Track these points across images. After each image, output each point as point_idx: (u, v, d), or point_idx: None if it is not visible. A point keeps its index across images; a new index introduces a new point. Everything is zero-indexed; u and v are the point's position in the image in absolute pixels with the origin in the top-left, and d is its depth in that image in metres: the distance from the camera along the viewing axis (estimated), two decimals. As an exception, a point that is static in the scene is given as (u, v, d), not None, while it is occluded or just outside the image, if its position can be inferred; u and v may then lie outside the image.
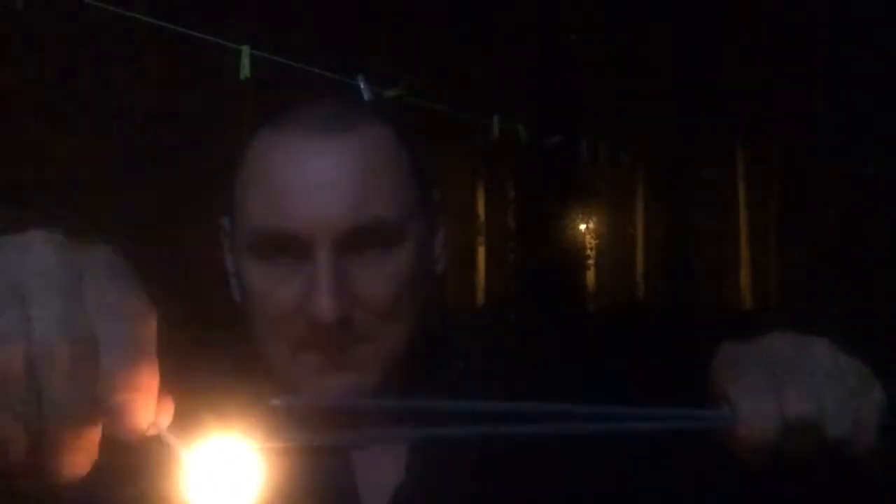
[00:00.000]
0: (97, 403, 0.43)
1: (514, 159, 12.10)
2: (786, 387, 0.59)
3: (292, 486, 0.74)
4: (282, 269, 0.76)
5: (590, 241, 13.63)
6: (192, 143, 8.21)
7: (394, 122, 0.82)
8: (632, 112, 13.50)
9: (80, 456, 0.43)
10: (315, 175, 0.76)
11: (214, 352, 0.86)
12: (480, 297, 13.95)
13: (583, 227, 13.61)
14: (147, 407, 0.44)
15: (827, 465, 0.61)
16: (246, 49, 4.06)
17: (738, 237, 14.79)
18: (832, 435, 0.59)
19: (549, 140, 7.70)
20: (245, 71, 4.07)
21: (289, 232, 0.75)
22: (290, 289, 0.75)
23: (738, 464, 0.62)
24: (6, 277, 0.42)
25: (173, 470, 0.46)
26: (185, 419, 0.48)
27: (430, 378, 0.84)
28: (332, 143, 0.77)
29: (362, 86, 4.05)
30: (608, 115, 13.10)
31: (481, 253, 14.16)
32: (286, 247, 0.75)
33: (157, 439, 0.46)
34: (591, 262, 13.82)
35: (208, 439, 0.47)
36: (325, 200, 0.75)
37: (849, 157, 11.71)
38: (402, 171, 0.80)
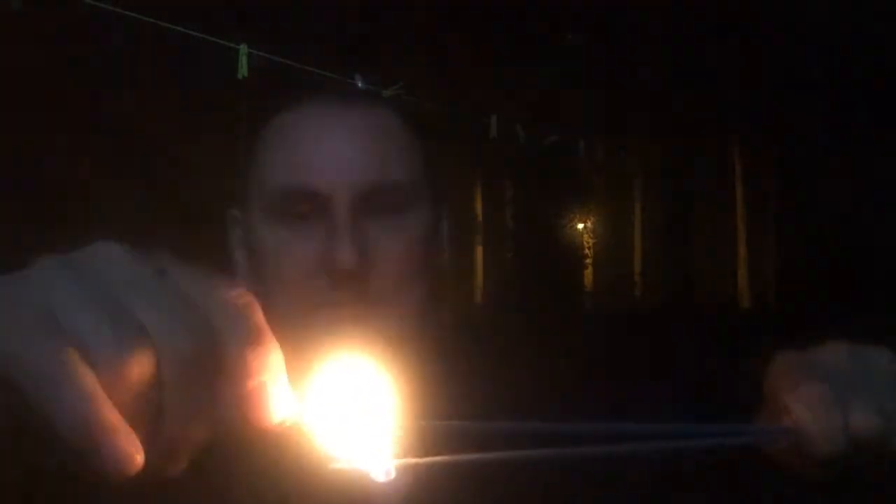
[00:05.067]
0: (227, 397, 0.41)
1: (512, 159, 12.10)
2: (850, 399, 0.58)
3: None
4: (301, 228, 0.80)
5: (587, 240, 13.65)
6: (190, 141, 8.20)
7: (407, 110, 0.88)
8: (630, 112, 13.51)
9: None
10: (336, 140, 0.82)
11: None
12: (478, 296, 13.95)
13: (580, 226, 13.62)
14: (282, 391, 0.43)
15: (891, 476, 0.60)
16: (244, 48, 4.06)
17: (736, 236, 14.79)
18: None
19: (546, 139, 7.71)
20: (243, 70, 4.08)
21: (310, 188, 0.80)
22: (309, 246, 0.79)
23: (790, 477, 0.61)
24: (97, 290, 0.40)
25: (314, 453, 0.44)
26: None
27: (430, 366, 0.84)
28: (353, 114, 0.83)
29: (360, 85, 4.05)
30: (606, 114, 13.10)
31: (479, 252, 14.17)
32: (307, 204, 0.80)
33: (294, 424, 0.43)
34: (588, 261, 13.83)
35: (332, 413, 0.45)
36: (344, 161, 0.81)
37: (848, 156, 11.71)
38: (414, 149, 0.86)
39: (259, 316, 0.43)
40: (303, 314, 0.80)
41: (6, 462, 0.40)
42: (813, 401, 0.58)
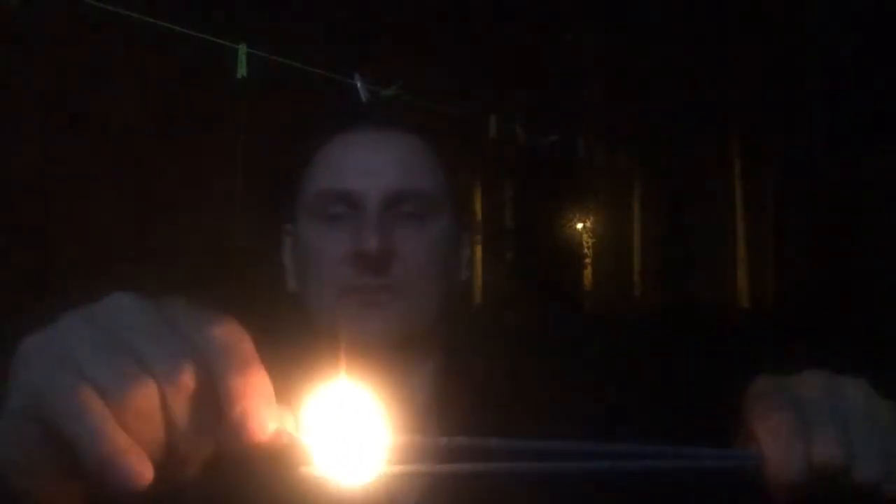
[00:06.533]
0: (223, 418, 0.49)
1: (511, 158, 12.10)
2: (815, 429, 0.59)
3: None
4: (336, 225, 0.94)
5: (587, 240, 13.64)
6: (189, 141, 8.20)
7: (436, 135, 1.01)
8: (629, 111, 13.50)
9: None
10: (370, 155, 0.96)
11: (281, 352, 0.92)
12: (477, 296, 13.96)
13: (580, 226, 13.61)
14: (268, 410, 0.50)
15: None
16: (242, 48, 4.06)
17: (736, 236, 14.78)
18: (861, 479, 0.59)
19: (546, 139, 7.71)
20: (242, 70, 4.08)
21: (345, 190, 0.94)
22: (342, 239, 0.92)
23: (764, 500, 0.62)
24: (109, 337, 0.48)
25: (302, 470, 0.51)
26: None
27: (441, 367, 0.97)
28: (387, 136, 0.97)
29: (359, 85, 4.05)
30: (605, 114, 13.09)
31: (478, 252, 14.16)
32: (342, 204, 0.94)
33: (282, 442, 0.50)
34: (588, 261, 13.82)
35: (324, 434, 0.52)
36: (375, 170, 0.95)
37: (847, 157, 11.72)
38: (437, 167, 0.98)
39: (248, 347, 0.50)
40: (335, 299, 0.92)
41: (41, 484, 0.49)
42: (777, 428, 0.59)
